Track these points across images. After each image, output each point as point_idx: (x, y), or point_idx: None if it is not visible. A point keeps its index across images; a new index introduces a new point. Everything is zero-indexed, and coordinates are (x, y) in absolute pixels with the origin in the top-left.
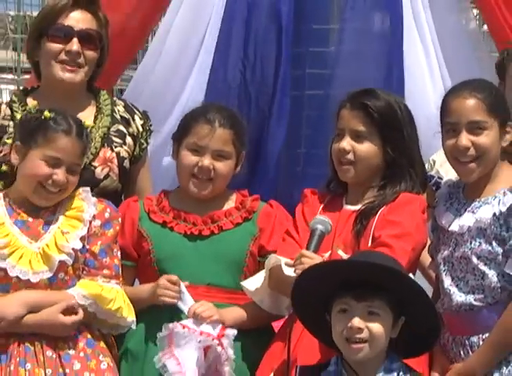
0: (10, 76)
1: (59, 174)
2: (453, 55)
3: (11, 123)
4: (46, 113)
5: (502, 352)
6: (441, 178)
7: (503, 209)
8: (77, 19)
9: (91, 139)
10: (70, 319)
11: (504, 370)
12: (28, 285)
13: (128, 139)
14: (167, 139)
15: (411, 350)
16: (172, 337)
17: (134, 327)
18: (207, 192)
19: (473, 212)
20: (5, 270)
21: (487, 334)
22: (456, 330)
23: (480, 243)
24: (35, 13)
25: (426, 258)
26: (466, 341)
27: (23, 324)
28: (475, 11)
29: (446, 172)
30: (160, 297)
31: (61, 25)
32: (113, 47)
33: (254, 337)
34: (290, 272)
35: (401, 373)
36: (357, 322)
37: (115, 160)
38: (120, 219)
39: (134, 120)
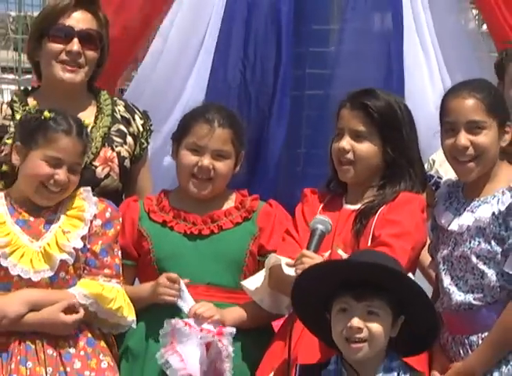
0: (11, 76)
1: (61, 174)
2: (453, 55)
3: (12, 123)
4: (46, 113)
5: (502, 351)
6: (441, 178)
7: (502, 208)
8: (78, 19)
9: (92, 138)
10: (71, 317)
11: (504, 369)
12: (29, 284)
13: (129, 139)
14: (167, 138)
15: (410, 349)
16: (174, 333)
17: (134, 326)
18: (207, 192)
19: (472, 212)
20: (6, 269)
21: (486, 333)
22: (455, 330)
23: (479, 242)
24: (36, 14)
25: (426, 257)
26: (466, 341)
27: (24, 323)
28: (474, 11)
29: (446, 172)
30: (160, 295)
31: (62, 25)
32: (114, 47)
33: (254, 336)
34: (290, 271)
35: (401, 372)
36: (356, 322)
37: (116, 160)
38: (120, 219)
39: (134, 119)
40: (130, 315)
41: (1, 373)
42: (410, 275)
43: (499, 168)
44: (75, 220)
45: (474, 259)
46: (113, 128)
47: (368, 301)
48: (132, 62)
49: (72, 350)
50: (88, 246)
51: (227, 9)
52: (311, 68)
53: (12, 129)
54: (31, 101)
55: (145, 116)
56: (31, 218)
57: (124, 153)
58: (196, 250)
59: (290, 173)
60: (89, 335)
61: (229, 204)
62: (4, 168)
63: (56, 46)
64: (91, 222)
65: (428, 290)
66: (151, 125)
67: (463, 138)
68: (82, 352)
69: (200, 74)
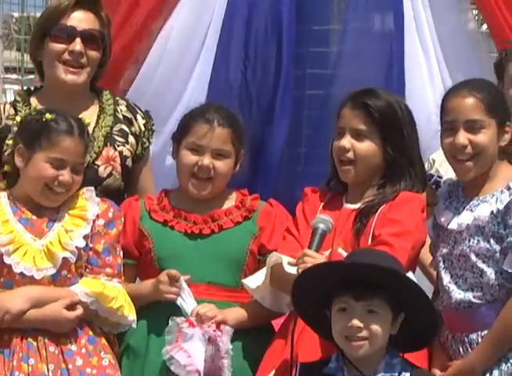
0: (14, 76)
1: (65, 175)
2: (453, 55)
3: (15, 122)
4: (47, 115)
5: (502, 349)
6: (441, 177)
7: (501, 207)
8: (80, 19)
9: (94, 138)
10: (73, 313)
11: (503, 367)
12: (31, 282)
13: (131, 139)
14: (169, 139)
15: (410, 345)
16: (180, 331)
17: (134, 325)
18: (207, 192)
19: (471, 210)
20: (9, 266)
21: (486, 332)
22: (455, 328)
23: (478, 241)
24: (39, 14)
25: (426, 256)
26: (466, 339)
27: (25, 319)
28: (474, 11)
29: (446, 171)
30: (163, 293)
31: (64, 25)
32: (115, 48)
33: (255, 335)
34: (292, 270)
35: (402, 369)
36: (356, 322)
37: (118, 159)
38: (122, 219)
39: (136, 119)
40: (130, 314)
41: (4, 369)
42: (410, 274)
43: (499, 167)
44: (78, 219)
45: (473, 258)
46: (115, 128)
47: (368, 300)
48: (134, 63)
49: (73, 347)
50: (91, 245)
51: (228, 9)
52: (312, 68)
53: (15, 129)
54: (34, 101)
55: (147, 115)
56: (34, 217)
57: (126, 153)
58: (197, 249)
59: (290, 172)
60: (90, 333)
61: (230, 203)
62: (6, 168)
63: (59, 46)
64: (94, 221)
65: (429, 289)
66: (153, 125)
67: (462, 136)
68: (83, 350)
69: (201, 74)
